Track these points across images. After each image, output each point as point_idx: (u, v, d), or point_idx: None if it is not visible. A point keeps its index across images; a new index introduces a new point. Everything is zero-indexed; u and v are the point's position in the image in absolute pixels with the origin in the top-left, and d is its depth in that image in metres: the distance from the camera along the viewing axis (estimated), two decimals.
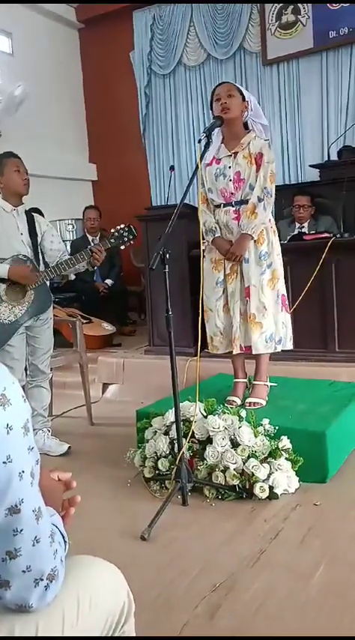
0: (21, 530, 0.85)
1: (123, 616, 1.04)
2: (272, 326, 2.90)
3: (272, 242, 2.91)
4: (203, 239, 2.93)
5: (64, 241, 6.29)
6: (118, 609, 1.03)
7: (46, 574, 0.89)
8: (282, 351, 3.01)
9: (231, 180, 2.87)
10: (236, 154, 2.88)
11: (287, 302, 3.02)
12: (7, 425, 0.82)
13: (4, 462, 0.82)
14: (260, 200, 2.81)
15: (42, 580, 0.89)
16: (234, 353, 2.95)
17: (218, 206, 2.94)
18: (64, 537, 0.98)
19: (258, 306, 2.86)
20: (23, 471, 0.84)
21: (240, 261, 2.88)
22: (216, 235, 2.92)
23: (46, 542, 0.89)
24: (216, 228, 2.93)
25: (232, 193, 2.88)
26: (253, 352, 2.91)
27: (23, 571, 0.87)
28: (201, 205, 2.97)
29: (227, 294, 2.95)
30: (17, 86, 5.72)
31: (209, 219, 2.95)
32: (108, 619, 1.01)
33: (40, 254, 3.08)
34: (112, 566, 1.07)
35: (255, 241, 2.85)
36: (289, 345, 3.00)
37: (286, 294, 3.02)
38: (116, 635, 1.03)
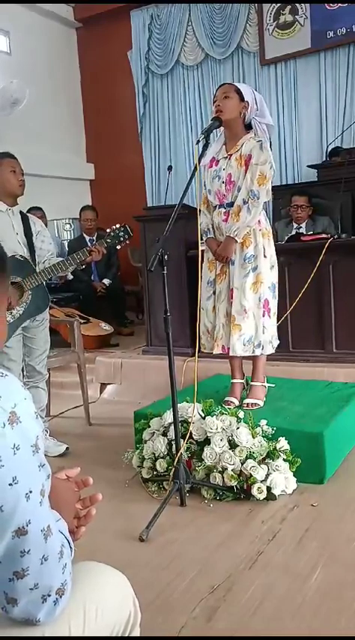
0: (28, 551, 0.83)
1: (130, 625, 1.03)
2: (252, 330, 2.88)
3: (261, 245, 2.87)
4: (201, 240, 2.95)
5: (61, 241, 6.34)
6: (125, 618, 1.02)
7: (54, 589, 0.88)
8: (277, 352, 3.03)
9: (223, 182, 2.89)
10: (231, 155, 2.89)
11: (270, 306, 2.93)
12: (14, 445, 0.80)
13: (9, 484, 0.79)
14: (244, 202, 2.81)
15: (50, 595, 0.87)
16: (215, 353, 2.97)
17: (215, 207, 2.97)
18: (69, 543, 0.95)
19: (238, 308, 2.86)
20: (31, 491, 0.82)
21: (226, 262, 2.89)
22: (209, 236, 2.97)
23: (54, 559, 0.87)
24: (209, 229, 2.97)
25: (224, 195, 2.90)
26: (230, 354, 2.92)
27: (31, 589, 0.85)
28: (201, 206, 3.00)
29: (216, 295, 2.97)
30: (10, 82, 5.69)
31: (205, 220, 2.99)
32: (114, 628, 1.00)
33: (35, 254, 3.08)
34: (119, 573, 1.05)
35: (241, 244, 2.86)
36: (269, 350, 2.96)
37: (271, 299, 2.92)
38: None
